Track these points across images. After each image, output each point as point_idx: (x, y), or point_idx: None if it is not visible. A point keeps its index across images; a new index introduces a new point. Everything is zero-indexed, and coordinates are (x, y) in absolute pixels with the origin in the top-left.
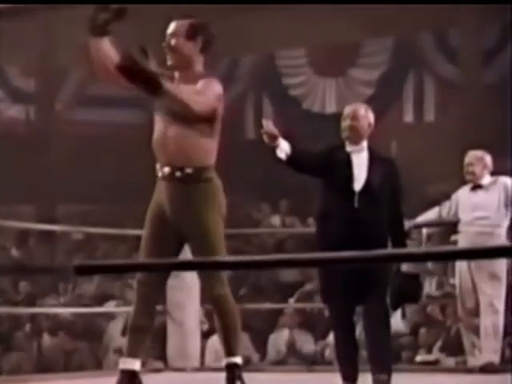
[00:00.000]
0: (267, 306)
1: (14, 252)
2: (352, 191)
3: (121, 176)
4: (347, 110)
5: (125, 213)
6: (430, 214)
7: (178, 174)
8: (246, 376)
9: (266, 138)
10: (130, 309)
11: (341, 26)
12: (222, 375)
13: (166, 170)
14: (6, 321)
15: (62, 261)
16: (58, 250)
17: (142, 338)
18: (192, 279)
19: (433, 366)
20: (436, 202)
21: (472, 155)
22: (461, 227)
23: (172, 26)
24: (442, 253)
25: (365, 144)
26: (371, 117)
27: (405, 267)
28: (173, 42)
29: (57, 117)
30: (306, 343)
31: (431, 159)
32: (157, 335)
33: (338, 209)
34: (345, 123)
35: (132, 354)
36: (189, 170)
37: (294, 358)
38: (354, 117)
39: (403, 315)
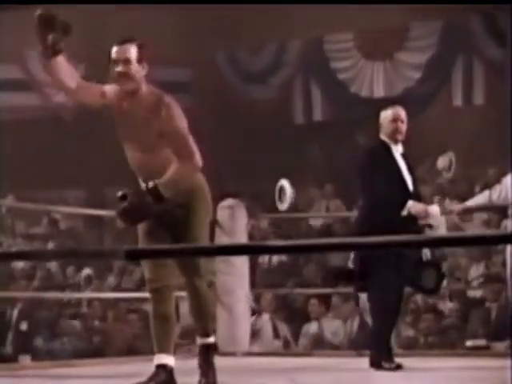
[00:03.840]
0: (316, 290)
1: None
2: (409, 193)
3: None
4: (396, 112)
5: None
6: (480, 198)
7: None
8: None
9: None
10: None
11: (388, 9)
12: (272, 360)
13: (151, 183)
14: (55, 306)
15: (110, 246)
16: (107, 234)
17: (168, 327)
18: (241, 264)
19: (483, 351)
20: (486, 185)
21: None
22: (511, 211)
23: (124, 52)
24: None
25: None
26: None
27: (426, 256)
28: (127, 69)
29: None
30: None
31: (480, 143)
32: None
33: (398, 209)
34: (396, 125)
35: (163, 349)
36: None
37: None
38: (404, 120)
39: (450, 298)
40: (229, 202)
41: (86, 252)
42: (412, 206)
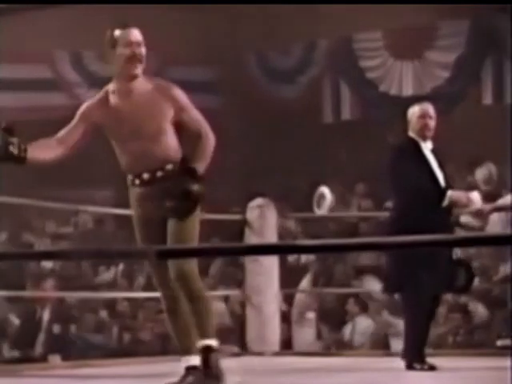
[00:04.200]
0: (346, 290)
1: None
2: (442, 190)
3: None
4: (424, 108)
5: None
6: (510, 198)
7: (159, 173)
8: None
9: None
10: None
11: (417, 8)
12: (302, 359)
13: (146, 175)
14: (85, 305)
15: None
16: (132, 235)
17: (187, 328)
18: (271, 264)
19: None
20: None
21: None
22: None
23: (136, 34)
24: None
25: None
26: None
27: (456, 255)
28: (143, 51)
29: None
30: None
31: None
32: (235, 320)
33: (433, 206)
34: (425, 121)
35: (188, 350)
36: (169, 167)
37: None
38: (432, 116)
39: (479, 298)
40: (258, 201)
41: (116, 252)
42: (452, 194)
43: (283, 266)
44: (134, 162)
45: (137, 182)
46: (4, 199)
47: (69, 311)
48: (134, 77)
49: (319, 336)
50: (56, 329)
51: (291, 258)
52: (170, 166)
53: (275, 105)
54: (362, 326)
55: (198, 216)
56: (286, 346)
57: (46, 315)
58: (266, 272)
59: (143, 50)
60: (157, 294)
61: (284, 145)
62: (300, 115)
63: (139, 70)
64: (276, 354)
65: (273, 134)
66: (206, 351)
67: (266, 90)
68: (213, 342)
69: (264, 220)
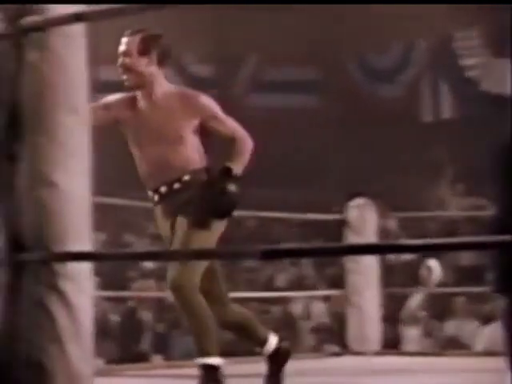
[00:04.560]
0: (455, 289)
1: None
2: None
3: (294, 161)
4: None
5: (297, 197)
6: None
7: (176, 185)
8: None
9: None
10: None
11: None
12: (403, 359)
13: (163, 189)
14: None
15: (237, 246)
16: (233, 235)
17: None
18: (371, 263)
19: None
20: None
21: None
22: None
23: (123, 44)
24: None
25: None
26: None
27: None
28: (127, 61)
29: (234, 103)
30: None
31: None
32: (336, 319)
33: None
34: None
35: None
36: (186, 178)
37: None
38: None
39: None
40: (358, 201)
41: (219, 252)
42: None
43: (383, 265)
44: (152, 171)
45: (156, 198)
46: (105, 200)
47: (169, 312)
48: (128, 87)
49: (429, 335)
50: (158, 329)
51: (391, 257)
52: (187, 177)
53: (375, 104)
54: (468, 327)
55: (215, 229)
56: (389, 345)
57: (146, 316)
58: (366, 271)
59: (133, 59)
60: (258, 295)
61: (384, 144)
62: (399, 114)
63: (133, 80)
64: (377, 353)
65: (372, 133)
66: (207, 369)
67: (365, 89)
68: (215, 361)
69: (364, 220)
